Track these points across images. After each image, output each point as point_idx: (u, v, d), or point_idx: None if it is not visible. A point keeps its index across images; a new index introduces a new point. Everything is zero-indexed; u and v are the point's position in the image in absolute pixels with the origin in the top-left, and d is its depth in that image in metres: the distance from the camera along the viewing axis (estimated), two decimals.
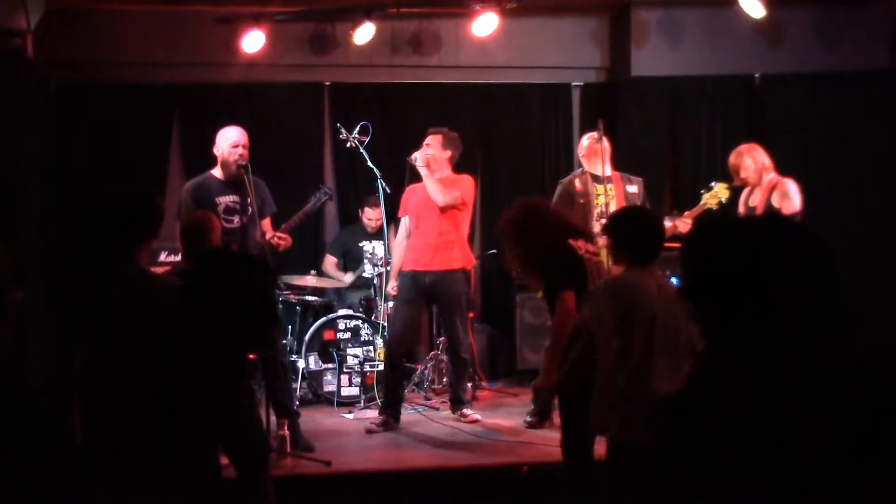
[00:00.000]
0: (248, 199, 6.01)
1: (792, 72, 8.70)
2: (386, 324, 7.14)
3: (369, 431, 6.45)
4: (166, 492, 3.54)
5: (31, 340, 6.35)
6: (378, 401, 6.94)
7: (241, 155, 6.04)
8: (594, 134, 6.73)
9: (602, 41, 9.05)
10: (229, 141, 6.09)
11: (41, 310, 6.51)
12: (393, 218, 7.19)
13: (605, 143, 6.63)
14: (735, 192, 6.65)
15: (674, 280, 7.12)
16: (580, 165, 6.90)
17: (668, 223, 6.59)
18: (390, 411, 6.56)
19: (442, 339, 7.58)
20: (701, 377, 1.79)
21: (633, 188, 6.60)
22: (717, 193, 6.45)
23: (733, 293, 1.72)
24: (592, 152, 6.67)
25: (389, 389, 6.64)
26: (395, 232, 7.30)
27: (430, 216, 6.69)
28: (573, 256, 4.64)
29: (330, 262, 8.29)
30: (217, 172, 6.16)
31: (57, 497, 2.05)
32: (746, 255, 1.72)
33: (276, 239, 6.02)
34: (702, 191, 6.59)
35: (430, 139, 6.80)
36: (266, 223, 6.19)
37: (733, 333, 1.73)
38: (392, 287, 6.96)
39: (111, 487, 3.50)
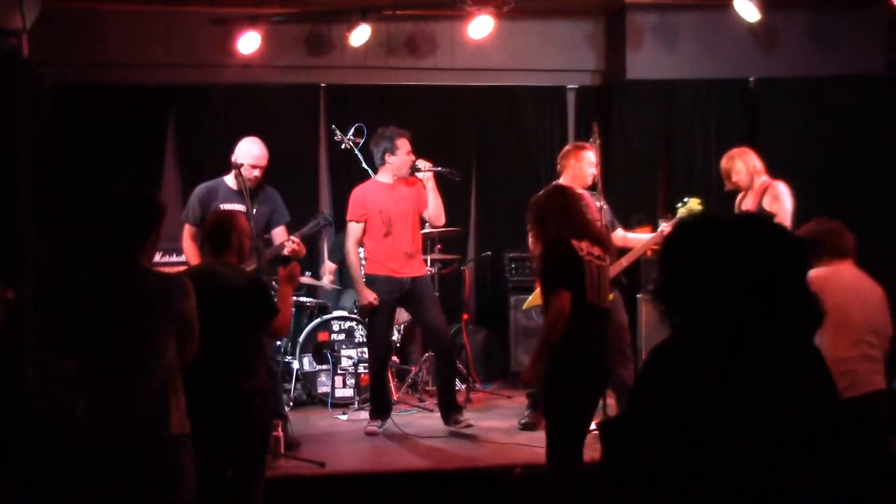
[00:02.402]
0: (254, 210, 6.07)
1: (787, 75, 8.72)
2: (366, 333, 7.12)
3: (371, 434, 6.41)
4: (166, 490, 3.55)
5: (24, 339, 6.35)
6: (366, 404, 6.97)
7: (256, 177, 6.18)
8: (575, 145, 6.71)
9: (597, 44, 9.07)
10: (249, 160, 6.18)
11: (34, 309, 6.51)
12: None
13: (593, 157, 6.55)
14: (730, 198, 6.67)
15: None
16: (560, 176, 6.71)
17: (647, 235, 6.60)
18: (386, 414, 6.56)
19: None
20: (668, 374, 1.79)
21: (603, 204, 6.44)
22: (692, 208, 6.44)
23: (702, 293, 1.72)
24: (578, 175, 6.53)
25: (384, 395, 6.60)
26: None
27: (404, 223, 6.51)
28: (573, 256, 4.55)
29: (328, 268, 8.25)
30: (229, 180, 6.29)
31: (49, 494, 2.06)
32: (715, 256, 1.72)
33: (290, 243, 6.15)
34: (677, 205, 6.60)
35: (407, 143, 6.56)
36: (281, 231, 6.32)
37: (701, 332, 1.73)
38: (374, 298, 6.41)
39: (106, 485, 3.50)
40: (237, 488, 4.36)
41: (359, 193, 6.61)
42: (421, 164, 6.54)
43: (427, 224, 6.89)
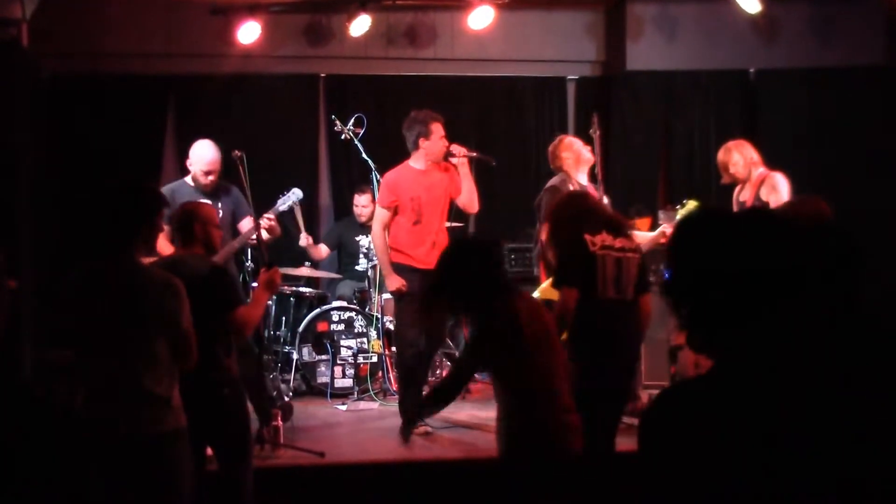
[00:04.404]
0: (219, 205, 6.21)
1: (787, 67, 8.72)
2: (393, 323, 7.09)
3: (427, 434, 6.12)
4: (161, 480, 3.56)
5: (23, 330, 6.35)
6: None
7: (211, 181, 6.33)
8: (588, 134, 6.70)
9: (597, 35, 9.05)
10: (201, 167, 6.35)
11: (34, 300, 6.52)
12: None
13: (588, 152, 6.55)
14: (729, 190, 6.67)
15: (667, 275, 7.16)
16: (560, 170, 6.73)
17: (648, 234, 6.59)
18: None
19: None
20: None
21: (604, 196, 6.45)
22: (690, 210, 6.43)
23: (716, 290, 1.73)
24: (579, 157, 6.54)
25: (418, 395, 6.20)
26: None
27: (434, 211, 6.37)
28: (584, 251, 4.47)
29: (321, 250, 8.20)
30: (190, 180, 6.44)
31: (49, 484, 2.06)
32: (729, 251, 1.73)
33: (265, 221, 6.18)
34: (677, 206, 6.59)
35: (441, 128, 6.39)
36: (248, 221, 6.36)
37: (716, 332, 1.74)
38: (402, 283, 6.26)
39: (105, 479, 3.51)
40: (224, 479, 4.35)
41: (391, 179, 6.42)
42: (455, 149, 6.35)
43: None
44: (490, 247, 3.93)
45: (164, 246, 6.12)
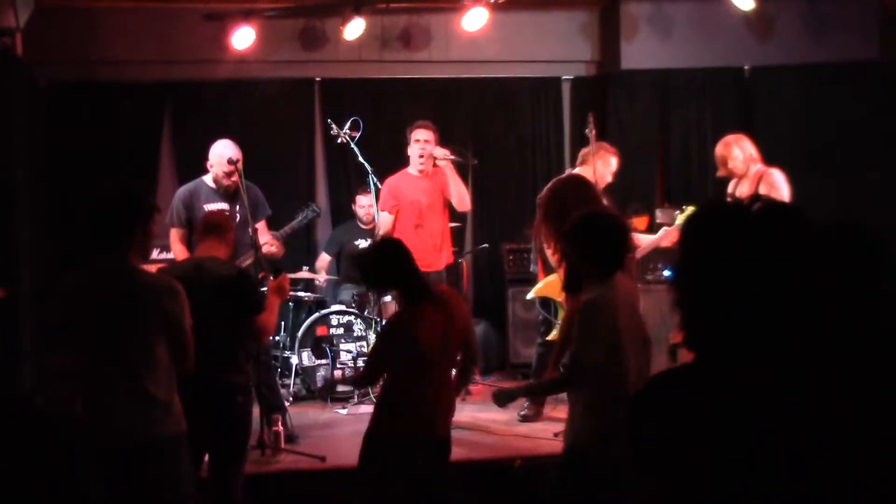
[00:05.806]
0: (237, 207, 6.07)
1: (781, 63, 8.73)
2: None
3: None
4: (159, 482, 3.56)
5: (21, 336, 6.35)
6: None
7: (233, 181, 6.08)
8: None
9: (592, 35, 9.06)
10: (223, 165, 6.12)
11: (31, 307, 6.52)
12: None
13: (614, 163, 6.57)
14: (722, 184, 6.67)
15: (666, 273, 7.16)
16: (574, 167, 6.76)
17: (646, 238, 6.58)
18: None
19: None
20: (684, 372, 1.78)
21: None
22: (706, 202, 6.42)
23: (726, 283, 1.72)
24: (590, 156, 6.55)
25: None
26: None
27: (435, 214, 6.68)
28: None
29: (324, 260, 8.26)
30: (209, 180, 6.26)
31: (49, 489, 2.06)
32: (743, 244, 1.71)
33: (267, 247, 6.11)
34: (676, 212, 6.58)
35: (428, 134, 6.68)
36: (261, 225, 6.29)
37: (720, 327, 1.73)
38: None
39: (105, 484, 3.50)
40: (215, 484, 4.34)
41: (392, 184, 6.72)
42: (438, 152, 6.64)
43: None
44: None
45: (180, 250, 6.14)
